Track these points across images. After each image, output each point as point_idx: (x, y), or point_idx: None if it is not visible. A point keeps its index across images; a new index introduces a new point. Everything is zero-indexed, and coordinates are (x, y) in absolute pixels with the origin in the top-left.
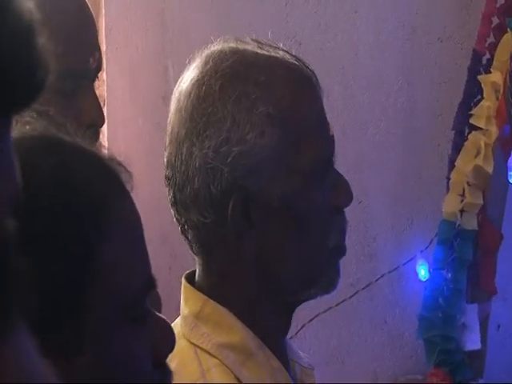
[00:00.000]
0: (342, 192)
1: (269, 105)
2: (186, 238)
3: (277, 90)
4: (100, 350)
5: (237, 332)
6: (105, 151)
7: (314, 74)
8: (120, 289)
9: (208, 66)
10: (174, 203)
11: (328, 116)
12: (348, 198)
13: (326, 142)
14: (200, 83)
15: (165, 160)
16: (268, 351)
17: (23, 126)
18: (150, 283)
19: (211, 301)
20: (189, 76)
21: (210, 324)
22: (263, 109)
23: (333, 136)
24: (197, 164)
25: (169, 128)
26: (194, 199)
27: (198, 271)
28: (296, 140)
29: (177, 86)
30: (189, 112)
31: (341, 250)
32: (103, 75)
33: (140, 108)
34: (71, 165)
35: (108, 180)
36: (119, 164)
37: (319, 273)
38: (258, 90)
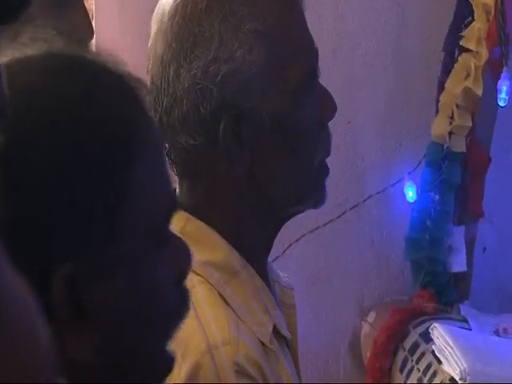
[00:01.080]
0: (326, 105)
1: (256, 21)
2: (170, 159)
3: (263, 7)
4: (131, 273)
5: (221, 250)
6: (122, 67)
7: None
8: (150, 210)
9: None
10: (161, 126)
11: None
12: (332, 110)
13: (312, 56)
14: (185, 3)
15: (148, 83)
16: (252, 270)
17: (43, 43)
18: (174, 204)
19: (194, 219)
20: None
21: (192, 241)
22: (250, 26)
23: (317, 49)
24: (185, 85)
25: (151, 50)
26: (183, 121)
27: (179, 192)
28: (284, 55)
29: (158, 6)
30: (174, 33)
31: (326, 169)
32: None
33: (128, 23)
34: (99, 85)
35: (134, 101)
36: (139, 82)
37: (308, 189)
38: (245, 8)
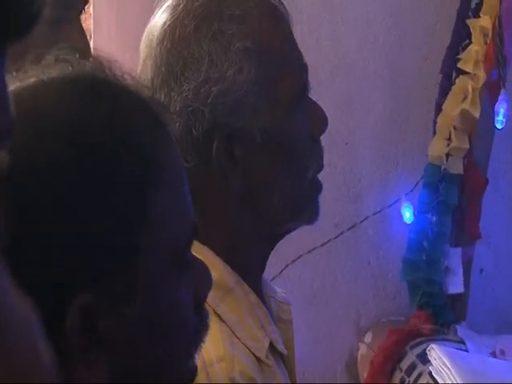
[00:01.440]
0: (317, 119)
1: (245, 39)
2: None
3: (251, 25)
4: (149, 301)
5: (216, 268)
6: (145, 90)
7: (282, 3)
8: (170, 236)
9: (179, 8)
10: None
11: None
12: (323, 124)
13: (301, 71)
14: (173, 26)
15: None
16: (246, 287)
17: (67, 66)
18: (195, 230)
19: None
20: (159, 20)
21: None
22: (240, 44)
23: (306, 64)
24: (177, 108)
25: (141, 76)
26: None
27: None
28: (274, 71)
29: (146, 31)
30: (163, 57)
31: (318, 185)
32: (90, 9)
33: (126, 42)
34: (124, 110)
35: (158, 126)
36: (160, 105)
37: (302, 204)
38: (233, 26)
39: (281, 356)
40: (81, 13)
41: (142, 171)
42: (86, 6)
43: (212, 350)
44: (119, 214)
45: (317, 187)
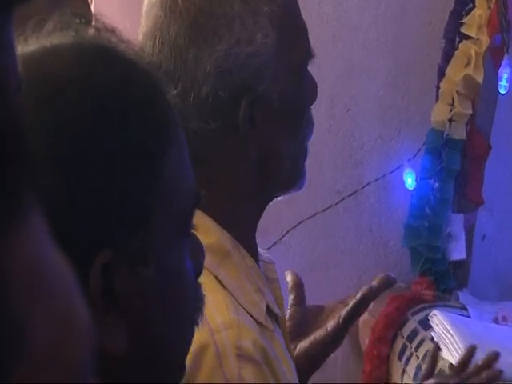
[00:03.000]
0: (313, 88)
1: (269, 4)
2: None
3: None
4: (161, 262)
5: (213, 233)
6: (145, 59)
7: None
8: (178, 199)
9: None
10: None
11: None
12: (316, 93)
13: (308, 36)
14: None
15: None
16: (243, 250)
17: (71, 32)
18: (198, 198)
19: None
20: None
21: None
22: (266, 9)
23: (307, 31)
24: (206, 69)
25: (154, 36)
26: (199, 106)
27: None
28: (290, 38)
29: None
30: (191, 16)
31: (307, 153)
32: None
33: (127, 10)
34: (131, 73)
35: (162, 94)
36: (160, 73)
37: (300, 169)
38: None
39: (276, 318)
40: None
41: (157, 132)
42: None
43: (218, 318)
44: (137, 172)
45: (306, 155)
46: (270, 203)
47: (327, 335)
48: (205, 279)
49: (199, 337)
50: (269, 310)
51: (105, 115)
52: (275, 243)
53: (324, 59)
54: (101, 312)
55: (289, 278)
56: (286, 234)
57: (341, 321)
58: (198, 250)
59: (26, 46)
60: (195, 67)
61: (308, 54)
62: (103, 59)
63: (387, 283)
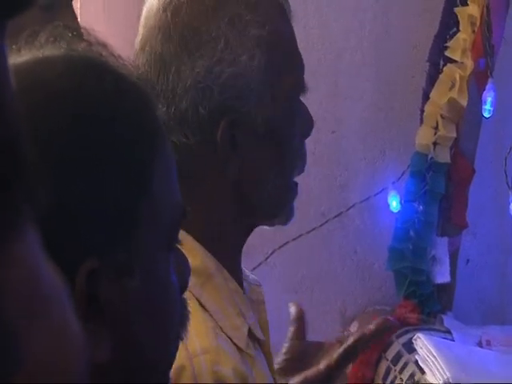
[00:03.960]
0: (306, 121)
1: (259, 28)
2: None
3: (264, 14)
4: (147, 274)
5: (196, 254)
6: (135, 73)
7: (287, 1)
8: (166, 211)
9: None
10: None
11: (303, 47)
12: (311, 126)
13: (302, 68)
14: (191, 2)
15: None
16: (226, 273)
17: (63, 44)
18: (183, 210)
19: None
20: None
21: None
22: (255, 32)
23: (303, 64)
24: (187, 83)
25: (145, 45)
26: (180, 120)
27: None
28: (280, 64)
29: (152, 1)
30: (178, 29)
31: (296, 189)
32: None
33: (114, 27)
34: (120, 85)
35: (151, 106)
36: (150, 87)
37: (286, 201)
38: (249, 13)
39: (258, 341)
40: None
41: (144, 144)
42: None
43: (197, 342)
44: (124, 183)
45: (295, 189)
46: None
47: (319, 374)
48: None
49: (177, 358)
50: (251, 334)
51: (93, 125)
52: (260, 264)
53: (309, 82)
54: (85, 319)
55: (292, 309)
56: (271, 254)
57: (333, 361)
58: (183, 266)
59: (19, 56)
60: (177, 80)
61: (299, 86)
62: (94, 71)
63: (385, 327)
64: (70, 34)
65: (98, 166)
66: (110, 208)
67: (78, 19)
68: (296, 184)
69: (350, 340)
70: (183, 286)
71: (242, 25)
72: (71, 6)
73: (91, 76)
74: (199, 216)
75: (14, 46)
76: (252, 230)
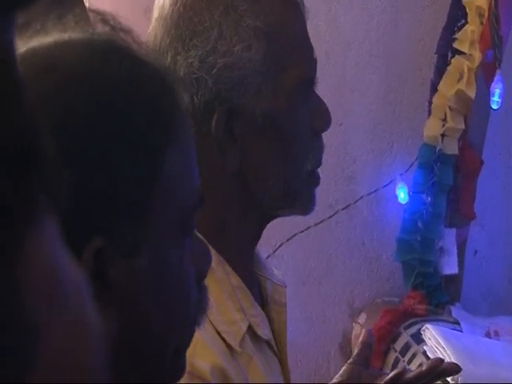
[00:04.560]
0: (321, 115)
1: (256, 18)
2: None
3: (264, 5)
4: (156, 257)
5: None
6: (159, 59)
7: None
8: (178, 197)
9: None
10: None
11: (311, 38)
12: (327, 121)
13: (310, 63)
14: None
15: None
16: (227, 267)
17: (88, 27)
18: (200, 198)
19: None
20: None
21: None
22: (250, 22)
23: (316, 59)
24: (181, 73)
25: (151, 35)
26: None
27: None
28: (282, 57)
29: None
30: (174, 19)
31: (316, 178)
32: None
33: (121, 21)
34: (141, 70)
35: (171, 91)
36: (174, 75)
37: (296, 194)
38: (246, 3)
39: (266, 341)
40: None
41: (158, 131)
42: None
43: None
44: (135, 167)
45: (314, 180)
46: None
47: None
48: None
49: None
50: (254, 333)
51: (108, 109)
52: (268, 256)
53: (317, 74)
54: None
55: (363, 334)
56: (279, 247)
57: None
58: (202, 256)
59: (44, 37)
60: (172, 69)
61: (307, 79)
62: (114, 55)
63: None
64: (95, 19)
65: (111, 148)
66: (119, 189)
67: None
68: (312, 173)
69: (390, 375)
70: (201, 274)
71: (238, 15)
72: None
73: (109, 60)
74: (206, 209)
75: (38, 26)
76: (264, 224)
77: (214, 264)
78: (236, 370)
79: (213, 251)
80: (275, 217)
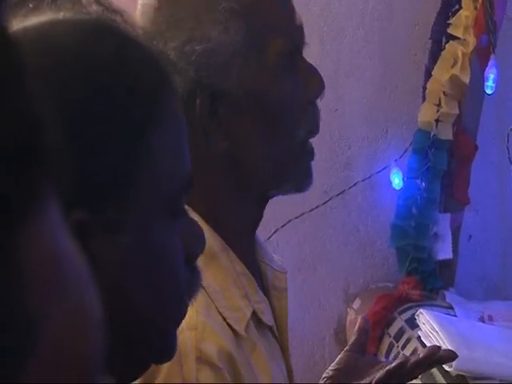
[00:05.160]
0: (313, 81)
1: (231, 0)
2: None
3: None
4: (140, 235)
5: None
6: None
7: None
8: (165, 177)
9: None
10: None
11: (305, 24)
12: (319, 88)
13: (294, 34)
14: None
15: None
16: (232, 254)
17: (79, 8)
18: (190, 181)
19: None
20: None
21: None
22: (226, 4)
23: (300, 26)
24: None
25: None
26: None
27: None
28: (261, 34)
29: None
30: (152, 17)
31: (309, 151)
32: None
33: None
34: (128, 51)
35: (160, 72)
36: (166, 60)
37: (288, 168)
38: None
39: (269, 327)
40: None
41: (146, 110)
42: None
43: (186, 318)
44: (123, 143)
45: (307, 153)
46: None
47: None
48: None
49: None
50: (258, 318)
51: (93, 88)
52: None
53: (311, 60)
54: None
55: (359, 320)
56: (274, 233)
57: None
58: (193, 237)
59: (40, 16)
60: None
61: (290, 49)
62: (101, 35)
63: (432, 358)
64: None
65: (96, 123)
66: (103, 163)
67: None
68: (306, 145)
69: (393, 365)
70: (193, 255)
71: (213, 0)
72: None
73: (96, 40)
74: (201, 194)
75: (32, 5)
76: (261, 205)
77: (217, 250)
78: (241, 355)
79: (216, 237)
80: (271, 197)
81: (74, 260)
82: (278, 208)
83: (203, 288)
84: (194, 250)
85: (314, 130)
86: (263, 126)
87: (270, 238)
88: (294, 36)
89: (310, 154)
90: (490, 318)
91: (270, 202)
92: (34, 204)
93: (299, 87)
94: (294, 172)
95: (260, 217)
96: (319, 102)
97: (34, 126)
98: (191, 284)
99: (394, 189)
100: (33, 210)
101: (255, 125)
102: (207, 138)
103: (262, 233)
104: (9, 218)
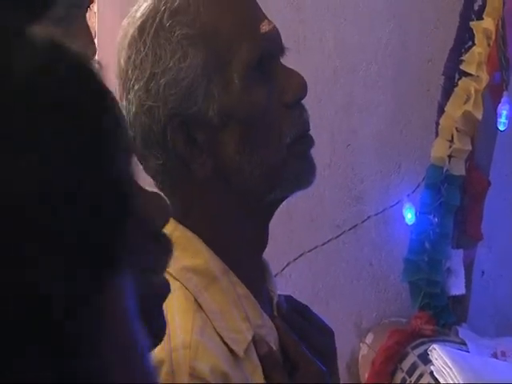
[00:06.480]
0: (290, 85)
1: (184, 27)
2: (153, 178)
3: (190, 10)
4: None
5: (201, 256)
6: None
7: None
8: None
9: (134, 13)
10: (138, 159)
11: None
12: (298, 89)
13: (259, 42)
14: (124, 32)
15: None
16: (233, 277)
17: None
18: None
19: (181, 226)
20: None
21: (179, 248)
22: (179, 32)
23: (268, 31)
24: (133, 110)
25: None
26: (145, 146)
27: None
28: (223, 52)
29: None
30: (119, 65)
31: (305, 140)
32: (94, 7)
33: None
34: (82, 87)
35: (111, 111)
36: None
37: (278, 172)
38: (172, 17)
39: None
40: (86, 11)
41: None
42: (91, 5)
43: (180, 337)
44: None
45: (298, 151)
46: (270, 235)
47: None
48: (183, 302)
49: (158, 354)
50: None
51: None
52: (276, 275)
53: (325, 94)
54: None
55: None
56: (287, 266)
57: None
58: (157, 209)
59: None
60: (129, 110)
61: (256, 58)
62: (55, 61)
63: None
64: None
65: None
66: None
67: (93, 35)
68: (293, 145)
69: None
70: (156, 231)
71: (167, 31)
72: (84, 18)
73: (50, 65)
74: (201, 219)
75: None
76: (264, 218)
77: (218, 273)
78: (240, 376)
79: (217, 260)
80: (271, 207)
81: (137, 331)
82: (291, 241)
83: (202, 310)
84: (157, 223)
85: (302, 131)
86: (242, 139)
87: (282, 270)
88: (261, 44)
89: (307, 143)
90: (503, 354)
91: (283, 234)
92: (113, 273)
93: (273, 94)
94: (286, 173)
95: (264, 234)
96: (331, 137)
97: (123, 200)
98: (161, 258)
99: (407, 224)
100: (112, 278)
101: (234, 141)
102: (190, 167)
103: (274, 266)
104: (100, 275)
